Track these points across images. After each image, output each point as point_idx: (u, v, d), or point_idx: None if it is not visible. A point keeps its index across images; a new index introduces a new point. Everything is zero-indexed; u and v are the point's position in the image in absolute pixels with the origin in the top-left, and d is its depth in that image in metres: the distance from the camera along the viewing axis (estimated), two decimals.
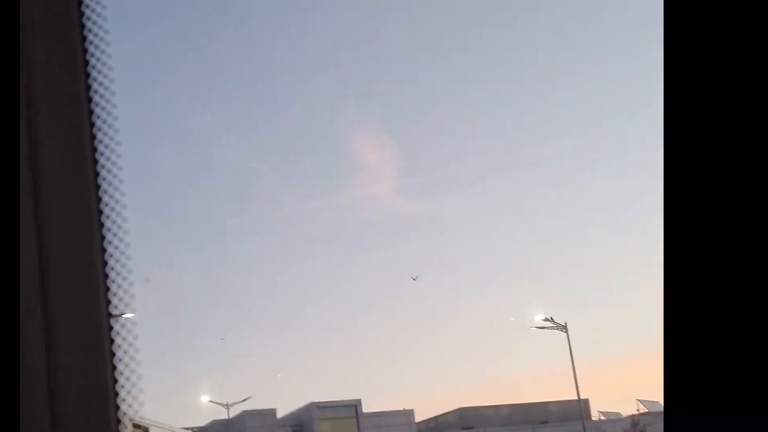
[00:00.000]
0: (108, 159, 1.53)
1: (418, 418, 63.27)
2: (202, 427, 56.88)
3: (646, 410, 59.41)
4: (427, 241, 76.08)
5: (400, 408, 62.39)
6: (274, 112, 69.91)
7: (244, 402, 55.59)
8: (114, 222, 1.52)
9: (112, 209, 1.53)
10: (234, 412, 56.68)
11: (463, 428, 64.88)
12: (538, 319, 45.06)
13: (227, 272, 71.13)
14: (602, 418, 63.69)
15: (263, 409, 58.29)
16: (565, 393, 67.14)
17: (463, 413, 66.94)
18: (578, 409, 66.38)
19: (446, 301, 78.83)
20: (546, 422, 65.48)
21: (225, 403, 53.31)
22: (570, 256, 75.63)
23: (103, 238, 1.49)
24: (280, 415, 59.67)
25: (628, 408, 65.17)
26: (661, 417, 55.84)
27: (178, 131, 68.69)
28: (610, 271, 74.79)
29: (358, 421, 59.25)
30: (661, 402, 56.72)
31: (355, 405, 59.38)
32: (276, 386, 72.56)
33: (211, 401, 55.41)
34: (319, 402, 58.36)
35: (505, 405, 68.48)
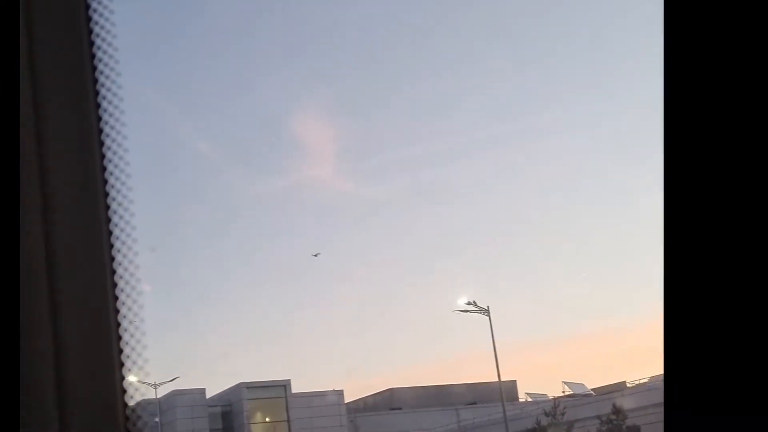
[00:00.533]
0: (113, 128, 1.53)
1: (347, 399, 63.55)
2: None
3: (571, 392, 60.54)
4: (366, 225, 76.27)
5: (330, 389, 62.55)
6: (219, 93, 69.30)
7: (172, 382, 55.15)
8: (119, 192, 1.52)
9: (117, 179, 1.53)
10: (163, 392, 56.23)
11: (392, 409, 65.35)
12: (461, 303, 45.55)
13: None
14: (529, 399, 64.73)
15: (192, 389, 57.95)
16: (495, 375, 68.06)
17: (391, 394, 67.42)
18: (507, 389, 67.26)
19: (378, 285, 79.15)
20: (474, 403, 66.30)
21: (153, 383, 52.84)
22: (502, 242, 76.48)
23: (107, 207, 1.49)
24: (208, 395, 59.37)
25: (556, 390, 66.28)
26: (584, 399, 56.95)
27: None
28: (543, 256, 75.88)
29: (287, 402, 59.25)
30: (586, 384, 57.67)
31: (284, 385, 59.33)
32: (205, 366, 72.11)
33: (139, 381, 54.78)
34: (248, 382, 58.19)
35: (433, 386, 69.14)
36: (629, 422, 42.87)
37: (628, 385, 57.56)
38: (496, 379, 54.37)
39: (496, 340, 46.30)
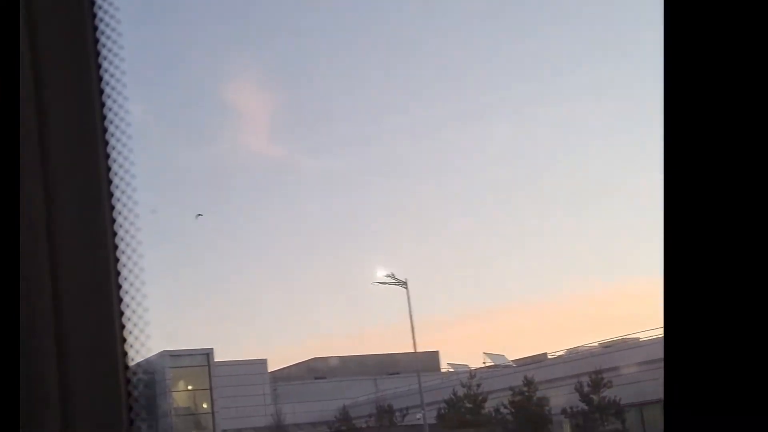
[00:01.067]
0: (114, 101, 1.52)
1: (270, 368, 63.74)
2: None
3: (492, 363, 61.42)
4: (297, 194, 76.13)
5: (254, 358, 62.63)
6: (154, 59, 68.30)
7: None
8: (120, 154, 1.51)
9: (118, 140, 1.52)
10: None
11: (316, 378, 65.71)
12: (380, 275, 45.91)
13: None
14: (450, 370, 65.51)
15: None
16: (420, 345, 68.69)
17: (315, 364, 67.76)
18: (429, 360, 67.99)
19: (304, 255, 79.17)
20: (397, 373, 66.94)
21: None
22: (429, 216, 76.88)
23: (109, 169, 1.48)
24: (130, 363, 59.03)
25: (477, 361, 67.14)
26: (504, 370, 57.65)
27: None
28: (470, 230, 76.49)
29: (210, 370, 59.24)
30: (506, 355, 58.32)
31: (207, 354, 59.29)
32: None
33: None
34: (171, 350, 58.03)
35: (358, 356, 69.62)
36: (540, 394, 43.63)
37: (549, 357, 58.55)
38: (419, 350, 54.93)
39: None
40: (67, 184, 1.44)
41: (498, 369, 58.24)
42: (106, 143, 1.49)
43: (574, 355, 54.29)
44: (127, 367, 1.50)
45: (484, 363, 62.18)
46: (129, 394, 1.47)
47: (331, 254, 79.21)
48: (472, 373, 48.78)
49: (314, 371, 67.31)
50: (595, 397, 40.87)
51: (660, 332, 51.37)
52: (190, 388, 59.50)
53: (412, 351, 54.64)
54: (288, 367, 69.12)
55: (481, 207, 75.85)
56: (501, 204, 74.64)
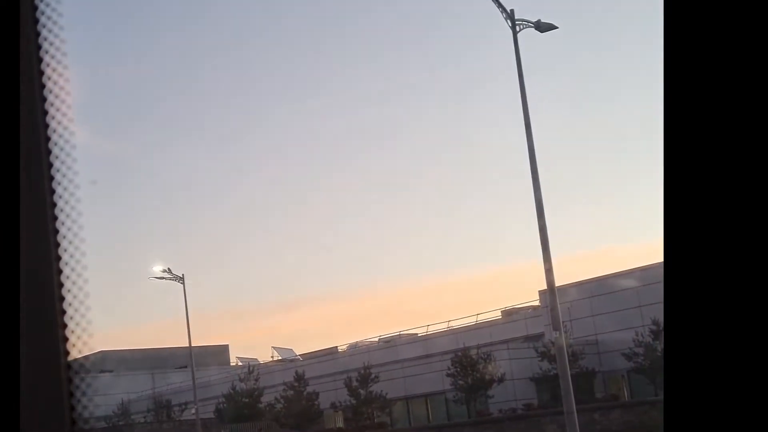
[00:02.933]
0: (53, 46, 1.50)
1: None
2: None
3: (280, 357, 62.79)
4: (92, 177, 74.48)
5: None
6: None
7: None
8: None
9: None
10: None
11: (102, 371, 65.14)
12: (158, 270, 46.50)
13: None
14: (240, 363, 66.42)
15: None
16: (211, 339, 69.32)
17: (103, 356, 67.10)
18: (218, 353, 68.67)
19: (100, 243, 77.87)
20: (184, 367, 67.27)
21: None
22: (202, 213, 77.15)
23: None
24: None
25: (266, 354, 68.37)
26: (289, 363, 58.82)
27: None
28: (269, 226, 77.24)
29: None
30: (295, 350, 59.29)
31: None
32: None
33: None
34: None
35: (147, 349, 69.49)
36: (314, 389, 45.29)
37: (340, 350, 60.39)
38: (209, 343, 55.57)
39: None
40: None
41: (285, 363, 59.61)
42: None
43: (355, 350, 56.31)
44: (69, 365, 1.44)
45: (272, 357, 63.51)
46: (71, 393, 1.44)
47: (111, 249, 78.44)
48: (250, 368, 49.97)
49: (102, 364, 66.68)
50: (362, 392, 42.87)
51: (436, 327, 54.18)
52: None
53: (204, 344, 55.21)
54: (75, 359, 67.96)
55: (273, 205, 77.02)
56: (295, 203, 76.07)
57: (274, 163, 75.66)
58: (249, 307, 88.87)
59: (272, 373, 52.83)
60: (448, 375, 40.59)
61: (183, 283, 46.47)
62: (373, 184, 74.71)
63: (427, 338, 53.26)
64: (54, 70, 1.46)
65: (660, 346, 35.68)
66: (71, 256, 1.46)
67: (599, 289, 42.96)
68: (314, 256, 79.65)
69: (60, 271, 1.42)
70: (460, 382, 40.02)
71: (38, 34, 1.44)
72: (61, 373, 1.42)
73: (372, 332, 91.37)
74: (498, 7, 22.76)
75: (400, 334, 56.26)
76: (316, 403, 44.73)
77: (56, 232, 1.42)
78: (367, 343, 58.19)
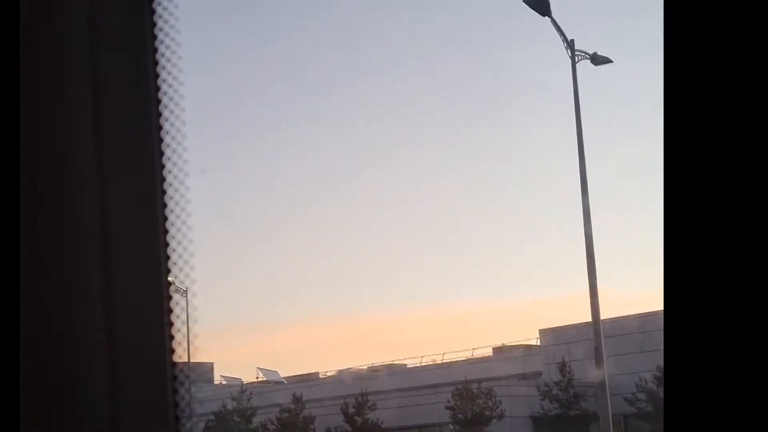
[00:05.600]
0: (168, 48, 1.45)
1: None
2: None
3: (264, 378, 62.51)
4: None
5: None
6: None
7: None
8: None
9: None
10: None
11: None
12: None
13: None
14: (224, 382, 65.99)
15: None
16: (196, 356, 68.58)
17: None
18: (205, 371, 68.23)
19: None
20: None
21: None
22: (206, 222, 76.96)
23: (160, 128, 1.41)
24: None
25: (250, 375, 67.97)
26: (276, 386, 58.64)
27: None
28: (251, 238, 77.18)
29: None
30: (279, 371, 59.23)
31: None
32: None
33: None
34: None
35: None
36: (307, 413, 45.17)
37: (321, 376, 60.24)
38: (196, 360, 55.12)
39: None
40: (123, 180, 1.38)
41: (270, 385, 59.33)
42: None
43: (342, 377, 56.25)
44: (174, 363, 1.43)
45: (257, 378, 63.16)
46: (175, 391, 1.42)
47: None
48: (243, 387, 49.75)
49: None
50: (358, 419, 42.82)
51: (426, 360, 54.28)
52: None
53: (196, 362, 54.62)
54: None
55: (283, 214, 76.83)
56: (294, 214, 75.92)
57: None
58: (232, 325, 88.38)
59: (261, 394, 52.57)
60: (447, 408, 40.64)
61: (186, 297, 46.24)
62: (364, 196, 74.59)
63: (420, 369, 53.33)
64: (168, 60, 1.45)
65: (662, 393, 36.08)
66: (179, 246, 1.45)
67: (603, 332, 43.32)
68: (300, 276, 79.43)
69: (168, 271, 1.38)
70: (460, 416, 40.09)
71: (154, 24, 1.43)
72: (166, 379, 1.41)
73: (356, 360, 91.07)
74: (560, 36, 23.05)
75: (390, 364, 56.28)
76: (312, 427, 44.56)
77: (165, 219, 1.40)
78: (355, 371, 58.14)
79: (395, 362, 56.39)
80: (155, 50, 1.42)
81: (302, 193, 72.96)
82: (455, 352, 56.38)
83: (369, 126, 70.47)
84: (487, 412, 39.88)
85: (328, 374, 60.26)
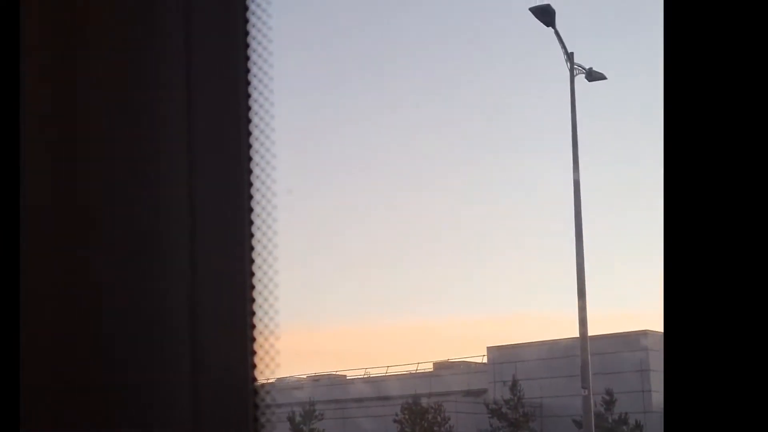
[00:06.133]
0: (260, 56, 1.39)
1: None
2: None
3: None
4: None
5: None
6: None
7: None
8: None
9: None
10: None
11: None
12: None
13: None
14: None
15: None
16: None
17: None
18: None
19: None
20: None
21: None
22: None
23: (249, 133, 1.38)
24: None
25: None
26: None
27: None
28: None
29: None
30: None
31: None
32: None
33: None
34: None
35: None
36: None
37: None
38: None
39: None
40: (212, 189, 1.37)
41: None
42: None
43: (284, 385, 55.66)
44: (255, 379, 1.45)
45: None
46: (256, 406, 1.44)
47: None
48: None
49: None
50: (305, 428, 42.52)
51: (371, 371, 54.18)
52: None
53: None
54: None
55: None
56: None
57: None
58: None
59: None
60: (395, 421, 40.59)
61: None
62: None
63: (363, 381, 53.19)
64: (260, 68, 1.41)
65: (610, 417, 36.42)
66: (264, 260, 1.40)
67: (552, 352, 43.74)
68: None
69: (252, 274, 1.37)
70: (407, 430, 40.08)
71: (247, 33, 1.39)
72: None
73: (296, 369, 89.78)
74: (561, 48, 22.97)
75: (330, 374, 55.99)
76: None
77: (251, 236, 1.38)
78: (295, 379, 57.70)
79: (335, 372, 56.14)
80: (247, 71, 1.37)
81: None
82: (399, 365, 56.38)
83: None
84: (435, 428, 39.92)
85: (269, 381, 59.48)
